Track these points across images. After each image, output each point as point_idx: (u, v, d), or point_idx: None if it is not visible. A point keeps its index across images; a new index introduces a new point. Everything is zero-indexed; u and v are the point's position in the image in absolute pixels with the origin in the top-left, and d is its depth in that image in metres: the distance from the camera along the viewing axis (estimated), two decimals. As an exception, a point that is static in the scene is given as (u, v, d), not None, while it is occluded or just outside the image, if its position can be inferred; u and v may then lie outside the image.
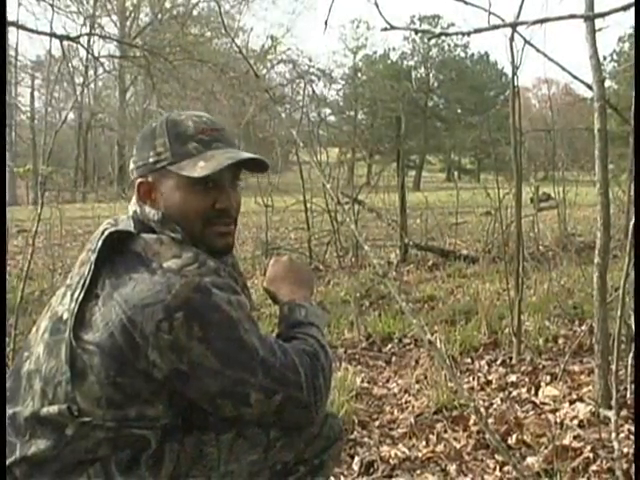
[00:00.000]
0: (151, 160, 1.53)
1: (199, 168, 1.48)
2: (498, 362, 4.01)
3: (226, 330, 1.39)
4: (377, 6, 2.56)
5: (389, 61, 46.03)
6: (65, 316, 1.46)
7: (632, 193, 4.14)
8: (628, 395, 3.20)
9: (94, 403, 1.41)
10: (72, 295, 1.47)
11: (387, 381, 3.84)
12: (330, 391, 1.59)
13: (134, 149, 1.59)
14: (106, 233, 1.48)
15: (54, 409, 1.42)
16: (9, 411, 1.47)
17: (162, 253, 1.45)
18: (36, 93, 35.79)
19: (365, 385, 3.73)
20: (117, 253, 1.46)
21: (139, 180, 1.55)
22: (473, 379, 3.74)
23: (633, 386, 3.27)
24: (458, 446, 2.83)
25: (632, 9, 2.38)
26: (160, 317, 1.35)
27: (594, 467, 2.57)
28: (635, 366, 3.04)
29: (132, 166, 1.58)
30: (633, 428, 2.89)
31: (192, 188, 1.51)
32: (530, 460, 2.65)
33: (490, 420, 3.08)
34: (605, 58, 31.81)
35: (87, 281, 1.44)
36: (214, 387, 1.40)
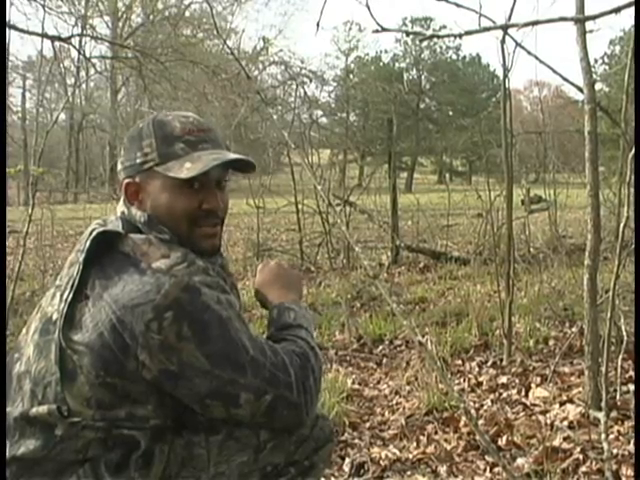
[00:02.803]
0: (138, 161, 1.53)
1: (185, 169, 1.48)
2: (489, 364, 4.02)
3: (215, 329, 1.39)
4: (369, 8, 2.57)
5: (381, 63, 46.11)
6: (55, 317, 1.45)
7: (623, 196, 4.17)
8: (618, 396, 3.22)
9: (84, 403, 1.41)
10: (61, 296, 1.46)
11: (378, 382, 3.84)
12: (320, 392, 1.60)
13: (122, 150, 1.58)
14: (94, 233, 1.48)
15: (43, 409, 1.42)
16: (-2, 412, 1.47)
17: (151, 253, 1.44)
18: (27, 94, 35.78)
19: (356, 386, 3.73)
20: (106, 254, 1.46)
21: (126, 181, 1.54)
22: (464, 380, 3.75)
23: (633, 387, 3.29)
24: (449, 447, 2.84)
25: (623, 12, 2.39)
26: (149, 317, 1.35)
27: (584, 468, 2.58)
28: (635, 366, 3.05)
29: (120, 167, 1.58)
30: (623, 429, 2.91)
31: (179, 189, 1.51)
32: (520, 461, 2.66)
33: (480, 421, 3.08)
34: (596, 61, 31.99)
35: (76, 282, 1.44)
36: (204, 387, 1.40)
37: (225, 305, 1.42)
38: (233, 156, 1.55)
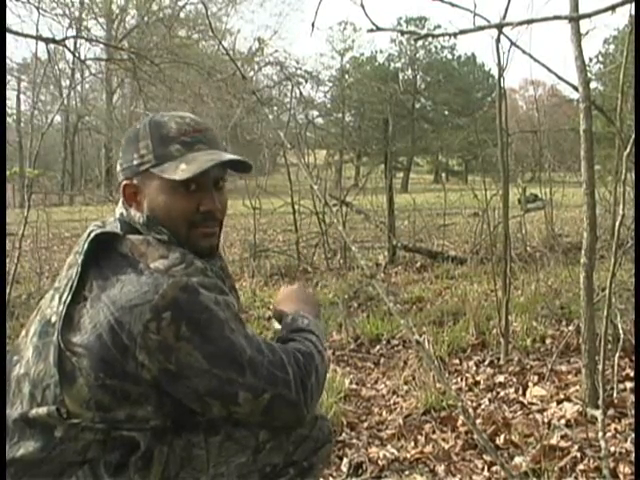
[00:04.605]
0: (135, 162, 1.53)
1: (180, 171, 1.48)
2: (486, 363, 4.03)
3: (213, 330, 1.39)
4: (363, 8, 2.56)
5: (376, 63, 46.09)
6: (53, 319, 1.45)
7: (618, 194, 4.18)
8: (615, 394, 3.22)
9: (83, 405, 1.41)
10: (60, 298, 1.46)
11: (375, 382, 3.85)
12: (321, 392, 1.60)
13: (120, 151, 1.58)
14: (92, 235, 1.48)
15: (43, 410, 1.42)
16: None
17: (149, 254, 1.45)
18: (22, 96, 35.67)
19: (354, 386, 3.73)
20: (104, 255, 1.46)
21: (124, 182, 1.55)
22: (461, 380, 3.75)
23: (630, 384, 3.30)
24: (446, 446, 2.84)
25: (617, 10, 2.40)
26: (148, 317, 1.35)
27: (581, 466, 2.58)
28: (635, 366, 3.06)
29: (118, 168, 1.58)
30: (620, 427, 2.91)
31: (175, 191, 1.51)
32: (518, 460, 2.66)
33: (478, 420, 3.08)
34: (591, 60, 31.97)
35: (75, 283, 1.44)
36: (202, 386, 1.40)
37: (222, 306, 1.42)
38: (228, 156, 1.54)
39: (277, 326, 1.77)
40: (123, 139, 1.59)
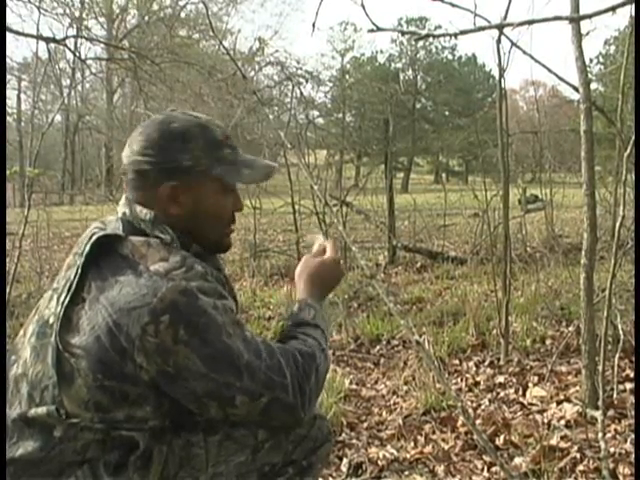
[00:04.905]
0: (186, 163, 1.51)
1: (246, 175, 1.58)
2: (486, 363, 4.03)
3: (211, 335, 1.39)
4: (364, 8, 2.57)
5: (377, 63, 46.13)
6: (51, 320, 1.45)
7: (619, 195, 4.18)
8: (615, 395, 3.22)
9: (82, 406, 1.40)
10: (58, 299, 1.46)
11: (375, 382, 3.85)
12: (321, 390, 1.60)
13: (151, 149, 1.52)
14: (94, 238, 1.47)
15: (42, 410, 1.42)
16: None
17: (149, 256, 1.44)
18: (22, 95, 35.67)
19: (353, 387, 3.73)
20: (104, 256, 1.45)
21: (171, 184, 1.51)
22: (461, 380, 3.75)
23: (630, 385, 3.30)
24: (446, 447, 2.84)
25: (618, 11, 2.40)
26: (146, 320, 1.35)
27: (581, 467, 2.58)
28: (635, 367, 3.06)
29: (150, 167, 1.52)
30: (620, 428, 2.91)
31: (225, 192, 1.59)
32: (518, 460, 2.66)
33: (478, 421, 3.08)
34: (591, 60, 31.97)
35: (74, 285, 1.43)
36: (200, 389, 1.40)
37: (221, 310, 1.41)
38: (275, 165, 1.66)
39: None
40: (155, 136, 1.53)
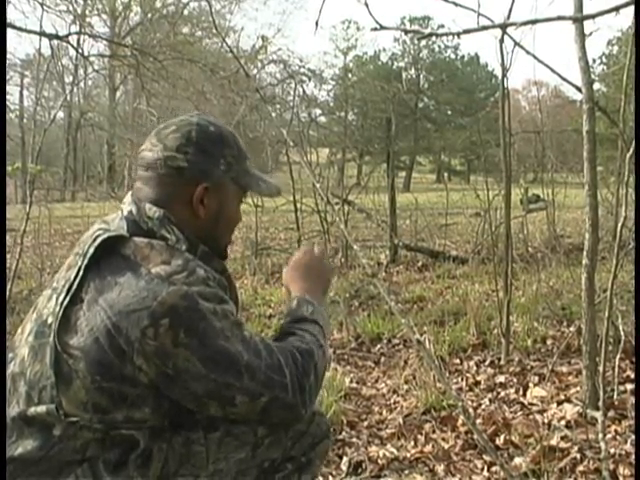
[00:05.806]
0: (222, 168, 1.56)
1: (264, 188, 1.65)
2: (487, 363, 4.03)
3: (211, 337, 1.38)
4: (367, 6, 2.56)
5: (379, 62, 46.15)
6: (50, 320, 1.44)
7: (621, 195, 4.17)
8: (615, 396, 3.22)
9: (80, 407, 1.40)
10: (57, 299, 1.45)
11: (376, 381, 3.84)
12: (320, 387, 1.60)
13: (190, 147, 1.53)
14: (98, 241, 1.45)
15: (42, 409, 1.41)
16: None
17: (151, 258, 1.43)
18: (25, 92, 35.69)
19: (354, 385, 3.73)
20: (105, 256, 1.44)
21: (206, 184, 1.54)
22: (462, 380, 3.75)
23: (630, 386, 3.29)
24: (446, 446, 2.84)
25: (621, 12, 2.39)
26: (145, 324, 1.35)
27: (581, 467, 2.58)
28: (636, 367, 3.05)
29: (187, 165, 1.52)
30: (620, 429, 2.91)
31: (240, 200, 1.66)
32: (518, 460, 2.66)
33: (478, 420, 3.08)
34: (594, 61, 31.99)
35: (74, 286, 1.43)
36: (200, 389, 1.40)
37: (220, 316, 1.41)
38: (280, 188, 1.76)
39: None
40: (202, 138, 1.54)
